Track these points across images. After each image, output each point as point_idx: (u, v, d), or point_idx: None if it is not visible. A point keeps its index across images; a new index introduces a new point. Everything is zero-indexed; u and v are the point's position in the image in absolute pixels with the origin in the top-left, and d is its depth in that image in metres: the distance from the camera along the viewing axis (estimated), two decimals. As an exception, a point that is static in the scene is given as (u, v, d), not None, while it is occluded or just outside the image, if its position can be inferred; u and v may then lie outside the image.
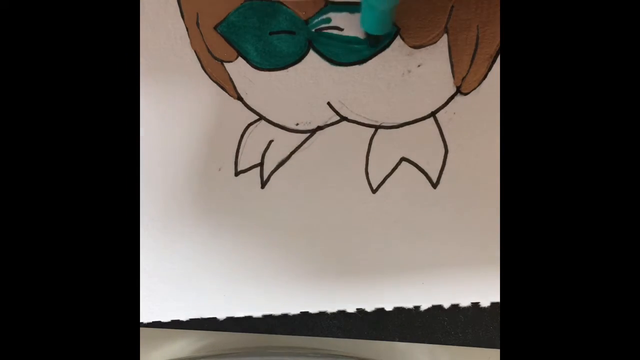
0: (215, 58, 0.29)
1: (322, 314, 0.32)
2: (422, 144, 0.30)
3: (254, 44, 0.29)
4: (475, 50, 0.29)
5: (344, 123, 0.30)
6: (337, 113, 0.30)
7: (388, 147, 0.30)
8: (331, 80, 0.29)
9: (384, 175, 0.30)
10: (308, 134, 0.30)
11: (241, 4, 0.29)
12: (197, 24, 0.29)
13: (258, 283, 0.31)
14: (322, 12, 0.28)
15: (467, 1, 0.28)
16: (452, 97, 0.29)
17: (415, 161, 0.30)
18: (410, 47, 0.29)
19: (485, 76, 0.29)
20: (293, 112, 0.30)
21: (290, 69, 0.29)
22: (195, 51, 0.29)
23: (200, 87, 0.30)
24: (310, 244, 0.31)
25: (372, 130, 0.30)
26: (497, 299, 0.31)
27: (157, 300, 0.32)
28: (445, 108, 0.29)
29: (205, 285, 0.31)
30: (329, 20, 0.28)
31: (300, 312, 0.32)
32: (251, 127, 0.30)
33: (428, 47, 0.29)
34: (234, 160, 0.30)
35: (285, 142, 0.30)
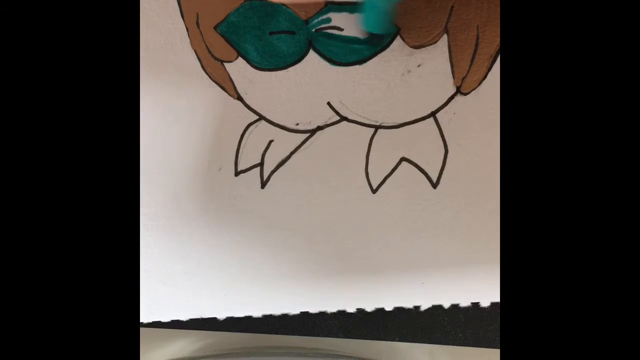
0: (215, 58, 0.29)
1: (322, 314, 0.32)
2: (422, 144, 0.30)
3: (254, 44, 0.29)
4: (475, 50, 0.29)
5: (344, 123, 0.30)
6: (337, 113, 0.30)
7: (388, 147, 0.30)
8: (331, 80, 0.29)
9: (384, 175, 0.30)
10: (308, 134, 0.30)
11: (241, 4, 0.29)
12: (197, 24, 0.29)
13: (258, 283, 0.31)
14: (322, 12, 0.28)
15: (467, 1, 0.28)
16: (452, 97, 0.29)
17: (415, 161, 0.30)
18: (410, 47, 0.29)
19: (485, 76, 0.29)
20: (293, 112, 0.30)
21: (290, 69, 0.29)
22: (195, 51, 0.29)
23: (200, 87, 0.30)
24: (310, 244, 0.31)
25: (372, 130, 0.30)
26: (497, 299, 0.31)
27: (157, 300, 0.32)
28: (445, 108, 0.29)
29: (205, 285, 0.31)
30: (329, 20, 0.28)
31: (300, 312, 0.32)
32: (251, 127, 0.30)
33: (428, 47, 0.29)
34: (234, 160, 0.30)
35: (285, 142, 0.30)
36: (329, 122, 0.30)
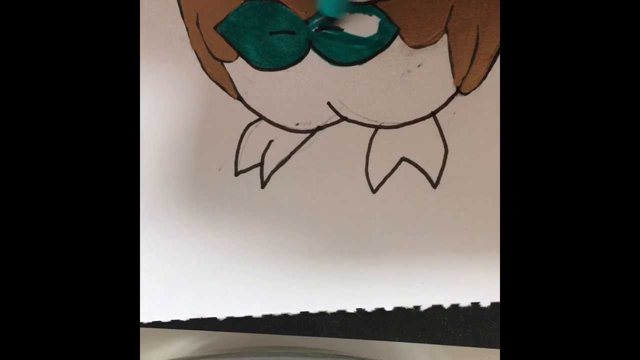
0: (215, 58, 0.29)
1: (322, 314, 0.32)
2: (422, 144, 0.30)
3: (254, 44, 0.29)
4: (475, 50, 0.29)
5: (344, 123, 0.30)
6: (337, 113, 0.30)
7: (388, 147, 0.30)
8: (331, 80, 0.29)
9: (384, 175, 0.30)
10: (308, 134, 0.30)
11: (241, 4, 0.29)
12: (197, 24, 0.29)
13: (258, 283, 0.31)
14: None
15: (467, 1, 0.28)
16: (452, 97, 0.29)
17: (415, 161, 0.30)
18: (410, 47, 0.29)
19: (485, 76, 0.29)
20: (293, 112, 0.30)
21: (290, 69, 0.29)
22: (195, 51, 0.29)
23: (200, 87, 0.30)
24: (310, 244, 0.31)
25: (372, 130, 0.30)
26: (497, 299, 0.31)
27: (157, 300, 0.32)
28: (445, 108, 0.29)
29: (205, 285, 0.31)
30: (328, 20, 0.28)
31: (300, 312, 0.32)
32: (251, 127, 0.30)
33: (428, 47, 0.29)
34: (234, 160, 0.30)
35: (285, 142, 0.30)
36: (329, 122, 0.30)
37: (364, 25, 0.28)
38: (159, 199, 0.31)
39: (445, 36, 0.28)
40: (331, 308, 0.31)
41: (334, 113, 0.30)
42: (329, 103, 0.30)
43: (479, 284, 0.31)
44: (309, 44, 0.29)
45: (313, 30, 0.29)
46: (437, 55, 0.29)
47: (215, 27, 0.29)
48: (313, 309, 0.31)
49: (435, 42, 0.29)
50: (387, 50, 0.29)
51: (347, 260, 0.31)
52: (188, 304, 0.32)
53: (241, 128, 0.30)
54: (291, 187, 0.31)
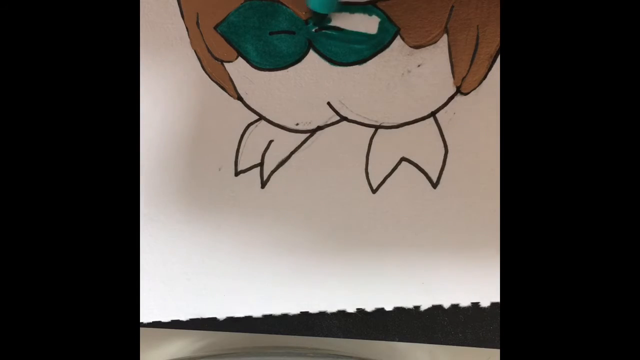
0: (215, 58, 0.29)
1: (322, 314, 0.32)
2: (422, 144, 0.30)
3: (254, 44, 0.29)
4: (475, 50, 0.29)
5: (344, 123, 0.30)
6: (337, 113, 0.30)
7: (388, 147, 0.30)
8: (331, 80, 0.29)
9: (384, 175, 0.30)
10: (308, 134, 0.30)
11: (241, 4, 0.29)
12: (197, 24, 0.29)
13: (258, 283, 0.31)
14: (322, 12, 0.28)
15: (467, 1, 0.28)
16: (452, 97, 0.29)
17: (415, 161, 0.30)
18: (410, 47, 0.29)
19: (485, 76, 0.29)
20: (293, 112, 0.30)
21: (290, 69, 0.29)
22: (195, 51, 0.29)
23: (200, 87, 0.30)
24: (310, 244, 0.31)
25: (372, 130, 0.30)
26: (497, 299, 0.31)
27: (157, 300, 0.32)
28: (445, 108, 0.29)
29: (205, 285, 0.31)
30: (329, 20, 0.28)
31: (300, 312, 0.32)
32: (251, 127, 0.30)
33: (428, 47, 0.29)
34: (234, 160, 0.30)
35: (285, 142, 0.30)
36: (329, 122, 0.30)
37: (364, 25, 0.28)
38: (159, 199, 0.31)
39: (445, 36, 0.28)
40: (331, 308, 0.31)
41: (334, 113, 0.30)
42: (329, 103, 0.30)
43: (479, 284, 0.31)
44: (309, 44, 0.29)
45: (313, 30, 0.29)
46: (437, 55, 0.29)
47: (215, 27, 0.29)
48: (313, 309, 0.31)
49: (435, 42, 0.29)
50: (387, 50, 0.29)
51: (347, 260, 0.31)
52: (188, 304, 0.32)
53: (241, 128, 0.30)
54: (291, 187, 0.31)
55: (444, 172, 0.30)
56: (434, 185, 0.30)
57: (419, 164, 0.30)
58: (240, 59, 0.29)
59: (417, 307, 0.31)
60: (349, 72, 0.29)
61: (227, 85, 0.30)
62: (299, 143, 0.30)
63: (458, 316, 0.31)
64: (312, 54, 0.29)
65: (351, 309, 0.31)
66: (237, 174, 0.31)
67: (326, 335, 0.32)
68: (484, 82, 0.29)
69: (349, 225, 0.31)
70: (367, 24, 0.28)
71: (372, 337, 0.32)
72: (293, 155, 0.30)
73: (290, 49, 0.29)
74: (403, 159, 0.30)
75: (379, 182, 0.30)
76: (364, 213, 0.31)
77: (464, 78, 0.29)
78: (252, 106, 0.30)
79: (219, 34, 0.29)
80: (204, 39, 0.29)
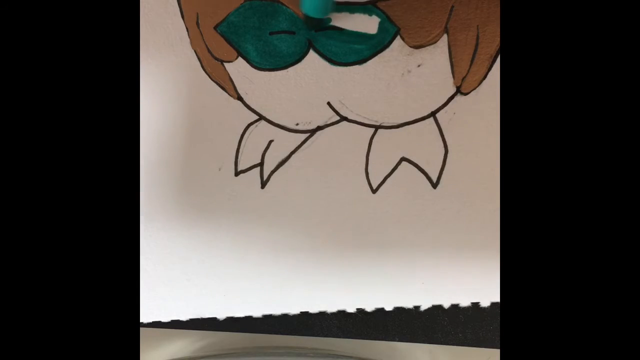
0: (215, 58, 0.29)
1: (322, 314, 0.32)
2: (422, 144, 0.30)
3: (254, 44, 0.29)
4: (475, 50, 0.29)
5: (344, 123, 0.30)
6: (337, 113, 0.30)
7: (388, 147, 0.30)
8: (331, 80, 0.29)
9: (384, 175, 0.30)
10: (308, 134, 0.30)
11: (241, 4, 0.29)
12: (197, 24, 0.29)
13: (258, 283, 0.31)
14: (322, 12, 0.28)
15: (467, 1, 0.28)
16: (452, 97, 0.29)
17: (415, 161, 0.30)
18: (410, 47, 0.29)
19: (485, 76, 0.29)
20: (293, 112, 0.30)
21: (290, 69, 0.29)
22: (195, 51, 0.29)
23: (200, 87, 0.30)
24: (310, 244, 0.31)
25: (372, 130, 0.30)
26: (497, 299, 0.31)
27: (157, 300, 0.32)
28: (445, 108, 0.29)
29: (205, 285, 0.31)
30: (329, 20, 0.28)
31: (300, 312, 0.32)
32: (251, 127, 0.30)
33: (428, 47, 0.29)
34: (234, 160, 0.30)
35: (285, 142, 0.30)
36: (329, 122, 0.30)
37: (364, 25, 0.28)
38: (159, 199, 0.31)
39: (445, 36, 0.28)
40: (331, 308, 0.31)
41: (334, 113, 0.30)
42: (329, 103, 0.30)
43: (479, 284, 0.31)
44: (309, 44, 0.29)
45: (313, 30, 0.29)
46: (437, 55, 0.29)
47: (215, 27, 0.29)
48: (313, 309, 0.31)
49: (435, 42, 0.29)
50: (387, 50, 0.29)
51: (347, 260, 0.31)
52: (188, 303, 0.32)
53: (241, 128, 0.30)
54: (291, 187, 0.31)
55: (444, 172, 0.30)
56: (434, 185, 0.30)
57: (419, 164, 0.30)
58: (240, 59, 0.29)
59: (417, 307, 0.31)
60: (349, 72, 0.29)
61: (227, 85, 0.30)
62: (299, 143, 0.30)
63: (458, 316, 0.31)
64: (312, 54, 0.29)
65: (351, 309, 0.31)
66: (237, 174, 0.31)
67: (326, 335, 0.32)
68: (484, 82, 0.29)
69: (349, 225, 0.31)
70: (367, 24, 0.28)
71: (372, 337, 0.32)
72: (293, 155, 0.30)
73: (290, 49, 0.29)
74: (403, 159, 0.30)
75: (379, 182, 0.30)
76: (364, 213, 0.31)
77: (464, 78, 0.29)
78: (252, 106, 0.30)
79: (219, 34, 0.29)
80: (204, 39, 0.29)
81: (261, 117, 0.30)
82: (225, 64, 0.30)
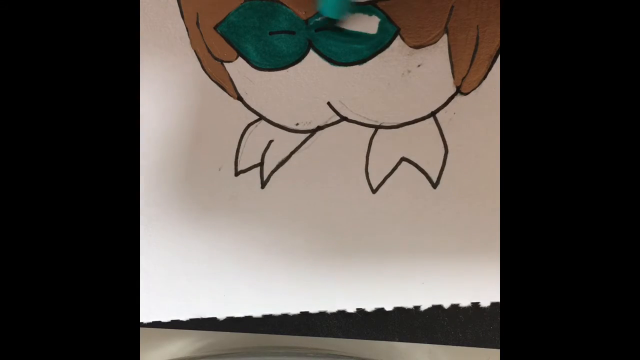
0: (215, 58, 0.29)
1: (322, 314, 0.32)
2: (422, 144, 0.30)
3: (254, 44, 0.29)
4: (475, 50, 0.29)
5: (344, 123, 0.30)
6: (337, 113, 0.30)
7: (388, 147, 0.30)
8: (331, 80, 0.29)
9: (384, 175, 0.30)
10: (308, 134, 0.30)
11: (241, 4, 0.29)
12: (197, 24, 0.29)
13: (258, 283, 0.31)
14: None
15: (467, 1, 0.28)
16: (452, 97, 0.29)
17: (415, 161, 0.30)
18: (410, 47, 0.29)
19: (485, 76, 0.29)
20: (293, 112, 0.30)
21: (290, 69, 0.29)
22: (195, 51, 0.29)
23: (200, 87, 0.30)
24: (310, 244, 0.31)
25: (372, 130, 0.30)
26: (497, 299, 0.31)
27: (157, 300, 0.32)
28: (445, 108, 0.29)
29: (205, 285, 0.31)
30: (328, 20, 0.28)
31: (300, 312, 0.32)
32: (251, 127, 0.30)
33: (428, 47, 0.29)
34: (234, 160, 0.30)
35: (285, 142, 0.30)
36: (329, 122, 0.30)
37: (364, 25, 0.28)
38: (159, 199, 0.31)
39: (445, 36, 0.28)
40: (331, 308, 0.31)
41: (334, 113, 0.30)
42: (329, 103, 0.30)
43: (479, 284, 0.31)
44: (309, 44, 0.29)
45: (313, 30, 0.29)
46: (437, 55, 0.29)
47: (215, 27, 0.29)
48: (313, 309, 0.31)
49: (435, 42, 0.29)
50: (387, 50, 0.29)
51: (347, 260, 0.31)
52: (188, 303, 0.32)
53: (241, 128, 0.30)
54: (291, 187, 0.31)
55: (444, 172, 0.30)
56: (434, 185, 0.30)
57: (419, 164, 0.30)
58: (240, 59, 0.29)
59: (417, 307, 0.31)
60: (349, 72, 0.29)
61: (227, 85, 0.30)
62: (299, 143, 0.30)
63: (458, 316, 0.31)
64: (312, 54, 0.29)
65: (351, 309, 0.31)
66: (237, 174, 0.31)
67: (326, 335, 0.32)
68: (484, 82, 0.29)
69: (349, 225, 0.31)
70: (367, 24, 0.28)
71: (372, 337, 0.32)
72: (293, 155, 0.30)
73: (290, 49, 0.29)
74: (403, 159, 0.30)
75: (379, 182, 0.30)
76: (364, 213, 0.31)
77: (464, 78, 0.29)
78: (252, 106, 0.30)
79: (219, 34, 0.29)
80: (204, 39, 0.29)
81: (261, 117, 0.30)
82: (225, 64, 0.30)
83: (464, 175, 0.30)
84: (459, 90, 0.29)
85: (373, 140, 0.30)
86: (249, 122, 0.30)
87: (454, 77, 0.29)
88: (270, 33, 0.29)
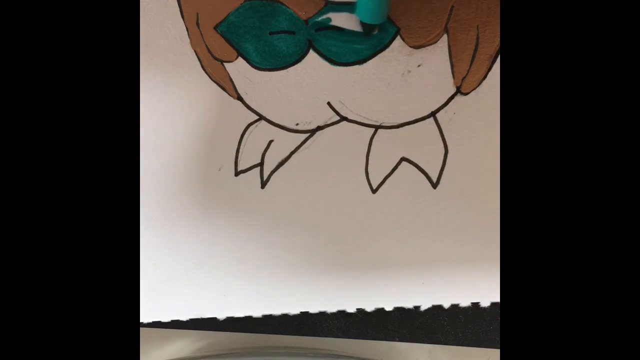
0: (215, 58, 0.29)
1: (322, 314, 0.32)
2: (422, 144, 0.30)
3: (254, 44, 0.29)
4: (475, 50, 0.29)
5: (344, 123, 0.30)
6: (337, 113, 0.30)
7: (388, 147, 0.30)
8: (331, 80, 0.29)
9: (384, 175, 0.30)
10: (308, 134, 0.30)
11: (241, 4, 0.29)
12: (197, 24, 0.29)
13: (258, 283, 0.31)
14: (322, 12, 0.28)
15: (467, 1, 0.28)
16: (452, 97, 0.29)
17: (415, 161, 0.30)
18: (410, 47, 0.29)
19: (485, 76, 0.29)
20: (293, 112, 0.30)
21: (290, 69, 0.29)
22: (195, 51, 0.29)
23: (200, 87, 0.30)
24: (310, 244, 0.31)
25: (372, 130, 0.30)
26: (497, 299, 0.31)
27: (157, 300, 0.32)
28: (445, 108, 0.29)
29: (205, 285, 0.31)
30: (329, 20, 0.28)
31: (300, 312, 0.32)
32: (251, 127, 0.30)
33: (428, 47, 0.29)
34: (234, 160, 0.30)
35: (285, 142, 0.30)
36: (329, 122, 0.30)
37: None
38: (159, 199, 0.31)
39: (445, 36, 0.28)
40: (331, 308, 0.31)
41: (334, 113, 0.30)
42: (329, 103, 0.30)
43: (479, 284, 0.31)
44: (309, 44, 0.29)
45: (313, 30, 0.29)
46: (437, 55, 0.29)
47: (215, 27, 0.29)
48: (313, 309, 0.31)
49: (435, 42, 0.29)
50: (387, 50, 0.29)
51: (347, 260, 0.31)
52: (188, 304, 0.32)
53: (241, 128, 0.30)
54: (291, 187, 0.31)
55: (444, 172, 0.30)
56: (434, 185, 0.30)
57: (419, 164, 0.30)
58: (240, 59, 0.29)
59: (417, 307, 0.31)
60: (349, 72, 0.29)
61: (227, 85, 0.30)
62: (299, 143, 0.30)
63: (458, 316, 0.31)
64: (312, 54, 0.29)
65: (351, 309, 0.31)
66: (237, 174, 0.31)
67: (326, 335, 0.32)
68: (484, 82, 0.29)
69: (349, 225, 0.31)
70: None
71: (372, 337, 0.32)
72: (293, 155, 0.30)
73: (290, 49, 0.29)
74: (403, 159, 0.30)
75: (379, 182, 0.30)
76: (364, 213, 0.31)
77: (464, 78, 0.29)
78: (252, 106, 0.30)
79: (219, 34, 0.29)
80: (204, 39, 0.29)
81: (261, 117, 0.30)
82: (225, 64, 0.30)
83: (464, 175, 0.30)
84: (459, 90, 0.29)
85: (373, 140, 0.30)
86: (249, 122, 0.30)
87: (454, 77, 0.29)
88: (270, 33, 0.29)
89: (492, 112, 0.29)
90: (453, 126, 0.30)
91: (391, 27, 0.28)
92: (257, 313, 0.32)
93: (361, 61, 0.29)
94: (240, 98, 0.30)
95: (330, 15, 0.28)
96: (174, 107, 0.30)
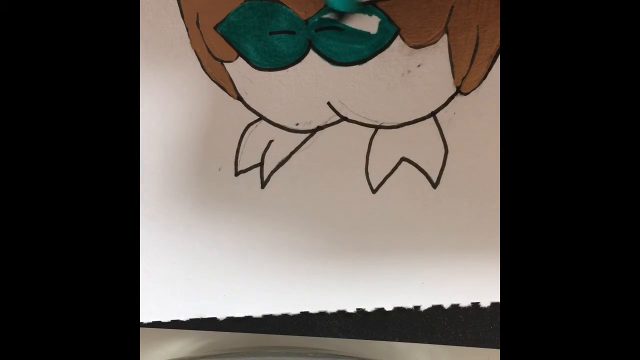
0: (215, 58, 0.29)
1: (322, 314, 0.32)
2: (422, 144, 0.30)
3: (254, 44, 0.29)
4: (475, 50, 0.29)
5: (344, 123, 0.30)
6: (337, 113, 0.30)
7: (388, 147, 0.30)
8: (331, 80, 0.29)
9: (384, 175, 0.30)
10: (308, 134, 0.30)
11: (241, 4, 0.29)
12: (197, 24, 0.29)
13: (258, 283, 0.31)
14: (322, 12, 0.28)
15: (467, 1, 0.28)
16: (452, 97, 0.29)
17: (415, 161, 0.30)
18: (410, 47, 0.29)
19: (485, 76, 0.29)
20: (293, 112, 0.30)
21: (290, 69, 0.29)
22: (195, 51, 0.29)
23: (200, 87, 0.30)
24: (310, 244, 0.31)
25: (372, 130, 0.30)
26: (497, 299, 0.31)
27: (157, 300, 0.32)
28: (445, 108, 0.29)
29: (205, 285, 0.31)
30: (329, 20, 0.28)
31: (300, 312, 0.32)
32: (251, 127, 0.30)
33: (428, 47, 0.29)
34: (234, 160, 0.30)
35: (285, 142, 0.30)
36: (329, 122, 0.30)
37: (364, 25, 0.28)
38: (159, 199, 0.31)
39: (445, 36, 0.28)
40: (331, 308, 0.31)
41: (334, 113, 0.30)
42: (329, 103, 0.30)
43: (479, 284, 0.31)
44: (309, 44, 0.29)
45: (313, 30, 0.29)
46: (437, 55, 0.29)
47: (215, 27, 0.29)
48: (313, 309, 0.31)
49: (435, 42, 0.29)
50: (387, 50, 0.29)
51: (347, 260, 0.31)
52: (188, 304, 0.32)
53: (241, 128, 0.30)
54: (291, 187, 0.31)
55: (444, 172, 0.30)
56: (434, 185, 0.30)
57: (419, 164, 0.30)
58: (240, 59, 0.29)
59: (417, 307, 0.31)
60: (349, 72, 0.29)
61: (227, 85, 0.30)
62: (299, 143, 0.30)
63: (458, 316, 0.31)
64: (312, 54, 0.29)
65: (351, 309, 0.31)
66: (237, 174, 0.31)
67: (326, 335, 0.32)
68: (484, 82, 0.29)
69: (349, 225, 0.31)
70: (367, 24, 0.28)
71: (372, 337, 0.32)
72: (293, 155, 0.30)
73: (290, 49, 0.29)
74: (403, 159, 0.30)
75: (379, 182, 0.30)
76: (364, 213, 0.31)
77: (464, 78, 0.29)
78: (252, 106, 0.30)
79: (219, 34, 0.29)
80: (204, 39, 0.29)
81: (261, 117, 0.30)
82: (225, 64, 0.30)
83: (464, 175, 0.30)
84: (459, 90, 0.29)
85: (373, 140, 0.30)
86: (249, 122, 0.30)
87: (454, 77, 0.29)
88: (270, 33, 0.29)
89: (492, 112, 0.29)
90: (453, 126, 0.30)
91: (391, 27, 0.28)
92: (257, 313, 0.32)
93: (361, 61, 0.29)
94: (240, 98, 0.30)
95: (330, 15, 0.28)
96: (174, 107, 0.30)
